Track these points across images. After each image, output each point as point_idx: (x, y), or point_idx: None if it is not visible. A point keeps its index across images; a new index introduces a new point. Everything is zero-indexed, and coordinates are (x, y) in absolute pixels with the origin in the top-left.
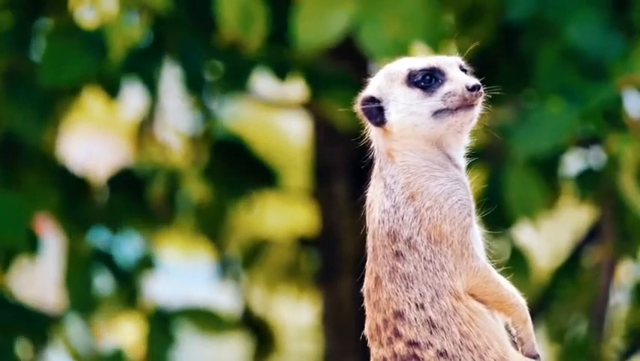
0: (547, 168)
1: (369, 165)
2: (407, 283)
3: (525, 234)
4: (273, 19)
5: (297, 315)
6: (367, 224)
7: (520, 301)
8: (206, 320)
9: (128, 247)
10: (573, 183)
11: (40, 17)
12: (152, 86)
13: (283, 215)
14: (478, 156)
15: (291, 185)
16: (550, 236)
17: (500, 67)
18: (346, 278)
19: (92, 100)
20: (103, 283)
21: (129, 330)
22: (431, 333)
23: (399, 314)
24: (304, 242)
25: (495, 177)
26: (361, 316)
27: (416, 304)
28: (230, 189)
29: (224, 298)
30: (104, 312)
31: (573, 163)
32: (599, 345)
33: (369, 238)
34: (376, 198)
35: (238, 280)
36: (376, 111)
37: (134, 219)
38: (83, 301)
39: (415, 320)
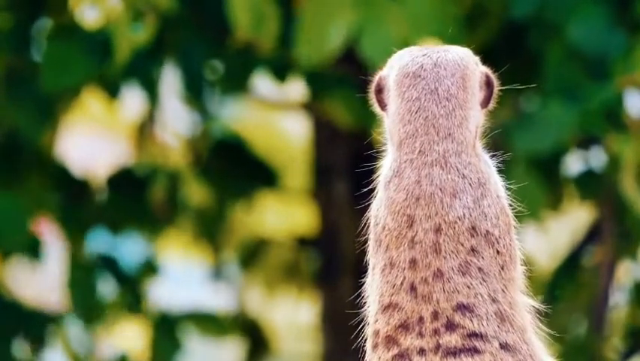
0: (548, 169)
1: (370, 165)
2: (482, 277)
3: (524, 234)
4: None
5: (296, 315)
6: (414, 217)
7: None
8: (210, 323)
9: (129, 250)
10: (574, 184)
11: (41, 17)
12: (152, 86)
13: (283, 215)
14: None
15: (291, 185)
16: (549, 236)
17: (504, 67)
18: (346, 278)
19: (92, 100)
20: (106, 287)
21: (130, 335)
22: (499, 326)
23: (464, 307)
24: (304, 242)
25: None
26: (361, 316)
27: (490, 298)
28: (229, 189)
29: (219, 300)
30: (107, 317)
31: (574, 164)
32: (599, 345)
33: (427, 232)
34: (444, 190)
35: (234, 282)
36: None
37: (134, 220)
38: (86, 306)
39: (487, 312)
